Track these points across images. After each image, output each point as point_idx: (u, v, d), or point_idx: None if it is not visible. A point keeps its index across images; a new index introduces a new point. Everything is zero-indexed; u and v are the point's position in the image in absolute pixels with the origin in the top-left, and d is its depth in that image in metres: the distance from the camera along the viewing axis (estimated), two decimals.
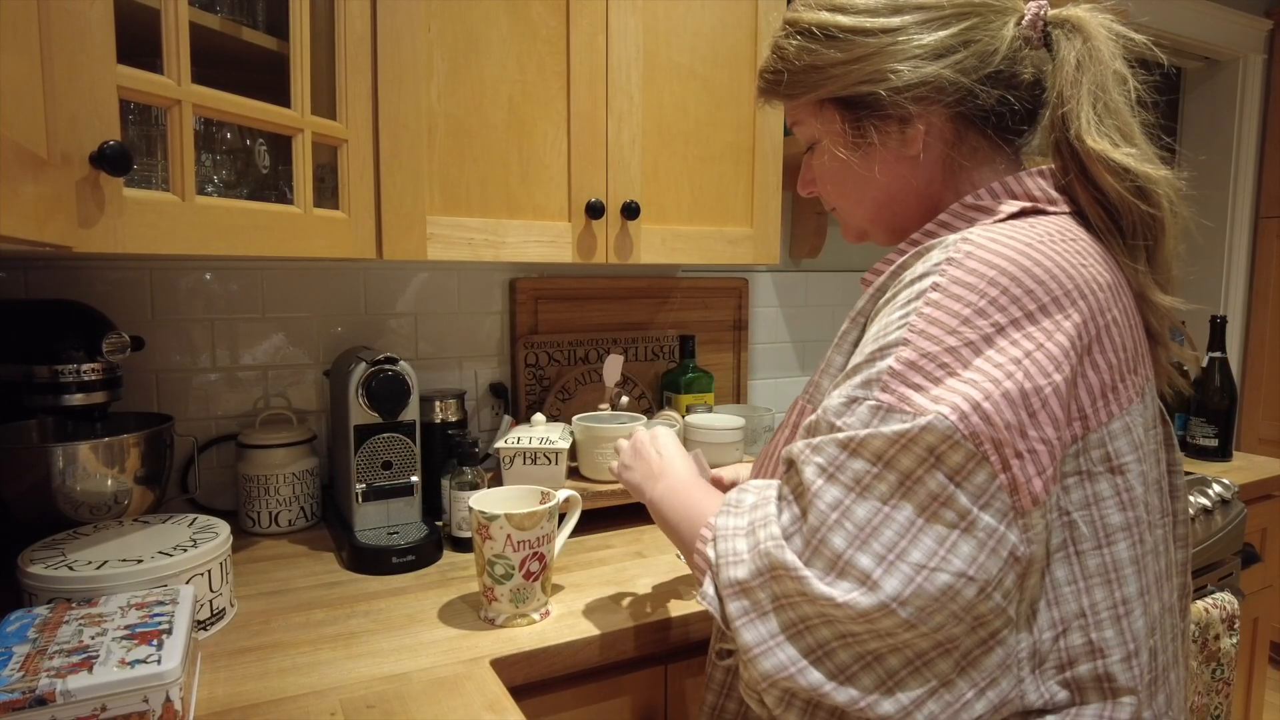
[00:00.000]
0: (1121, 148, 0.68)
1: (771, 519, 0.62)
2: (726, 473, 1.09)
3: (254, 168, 1.15)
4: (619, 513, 1.38)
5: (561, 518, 1.09)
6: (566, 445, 1.29)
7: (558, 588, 1.13)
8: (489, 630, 1.00)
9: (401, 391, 1.22)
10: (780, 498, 0.64)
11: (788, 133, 1.55)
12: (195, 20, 0.93)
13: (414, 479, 1.26)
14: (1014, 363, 0.58)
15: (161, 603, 0.84)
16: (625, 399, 1.58)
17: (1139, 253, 0.70)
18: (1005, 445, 0.56)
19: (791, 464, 0.63)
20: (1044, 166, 0.74)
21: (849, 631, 0.58)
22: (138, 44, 0.83)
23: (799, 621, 0.59)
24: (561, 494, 1.07)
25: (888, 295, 0.68)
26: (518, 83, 1.25)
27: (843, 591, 0.56)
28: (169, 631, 0.78)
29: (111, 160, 0.75)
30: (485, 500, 1.04)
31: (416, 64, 1.15)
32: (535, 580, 1.01)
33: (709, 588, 0.64)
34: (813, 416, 0.64)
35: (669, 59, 1.38)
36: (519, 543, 0.99)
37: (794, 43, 0.77)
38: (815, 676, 0.59)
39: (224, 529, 1.02)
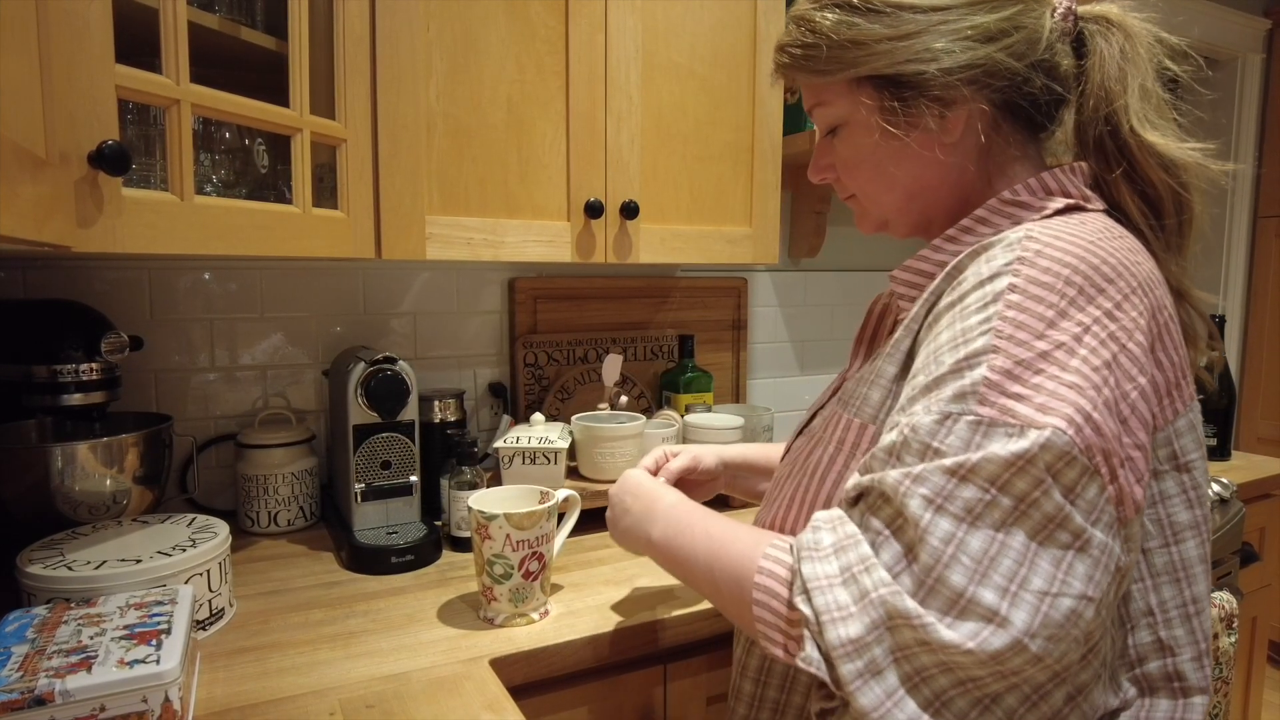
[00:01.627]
0: (1184, 142, 0.67)
1: (872, 561, 0.56)
2: (706, 454, 1.03)
3: (253, 167, 1.15)
4: None
5: (561, 517, 1.09)
6: (566, 445, 1.29)
7: (557, 587, 1.13)
8: (488, 630, 1.00)
9: (400, 391, 1.22)
10: (870, 532, 0.58)
11: (787, 132, 1.55)
12: (194, 20, 0.93)
13: (413, 479, 1.26)
14: (1106, 367, 0.55)
15: (160, 603, 0.84)
16: (624, 399, 1.58)
17: (1175, 250, 0.69)
18: (1114, 455, 0.54)
19: (881, 495, 0.58)
20: (1074, 164, 0.71)
21: (971, 677, 0.54)
22: (136, 43, 0.83)
23: (916, 674, 0.54)
24: (561, 493, 1.07)
25: (948, 299, 0.64)
26: (516, 82, 1.25)
27: (968, 635, 0.52)
28: (168, 631, 0.77)
29: (110, 160, 0.75)
30: (484, 500, 1.04)
31: (415, 64, 1.15)
32: (534, 580, 1.01)
33: (813, 651, 0.57)
34: (893, 436, 0.59)
35: (668, 59, 1.38)
36: (518, 542, 0.99)
37: (831, 16, 0.71)
38: None
39: (223, 529, 1.02)
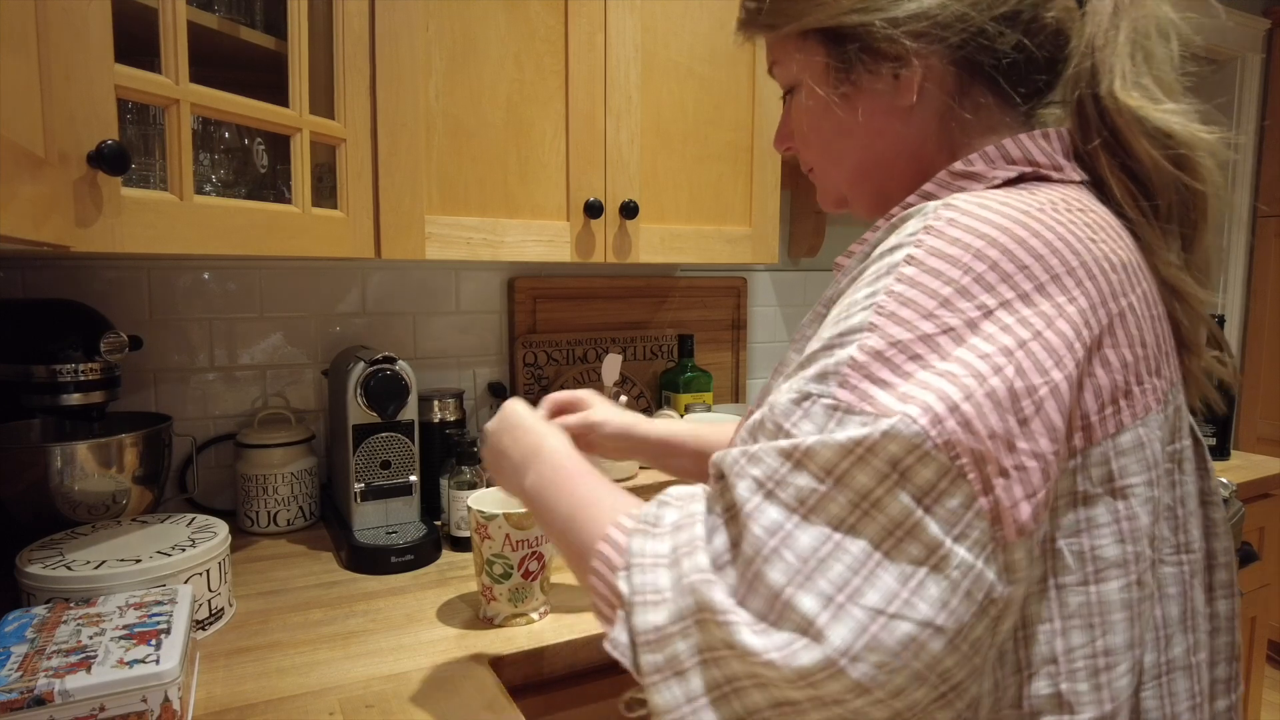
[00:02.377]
0: (1162, 104, 0.57)
1: (699, 544, 0.49)
2: (612, 420, 0.92)
3: (252, 167, 1.15)
4: None
5: None
6: None
7: (556, 587, 1.13)
8: (487, 630, 1.00)
9: (400, 391, 1.22)
10: (713, 516, 0.50)
11: None
12: (193, 19, 0.93)
13: (412, 478, 1.26)
14: (1004, 354, 0.46)
15: (160, 602, 0.84)
16: (624, 398, 1.58)
17: (1173, 237, 0.58)
18: (989, 460, 0.44)
19: (722, 476, 0.50)
20: (1054, 130, 0.61)
21: (786, 699, 0.44)
22: (136, 43, 0.83)
23: (725, 682, 0.46)
24: None
25: (852, 274, 0.55)
26: (516, 82, 1.25)
27: (774, 644, 0.43)
28: (167, 631, 0.77)
29: (109, 160, 0.75)
30: (484, 499, 1.04)
31: (415, 63, 1.15)
32: (534, 579, 1.01)
33: (620, 633, 0.50)
34: (757, 415, 0.51)
35: (667, 58, 1.38)
36: (517, 542, 0.99)
37: None
38: None
39: (222, 529, 1.02)
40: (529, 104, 1.26)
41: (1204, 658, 0.57)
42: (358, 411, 1.20)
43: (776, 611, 0.44)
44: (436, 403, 1.40)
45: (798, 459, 0.46)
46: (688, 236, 1.43)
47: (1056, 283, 0.49)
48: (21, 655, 0.72)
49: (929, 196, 0.60)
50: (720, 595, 0.46)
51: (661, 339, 1.77)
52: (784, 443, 0.47)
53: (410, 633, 0.99)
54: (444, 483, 1.26)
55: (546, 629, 1.00)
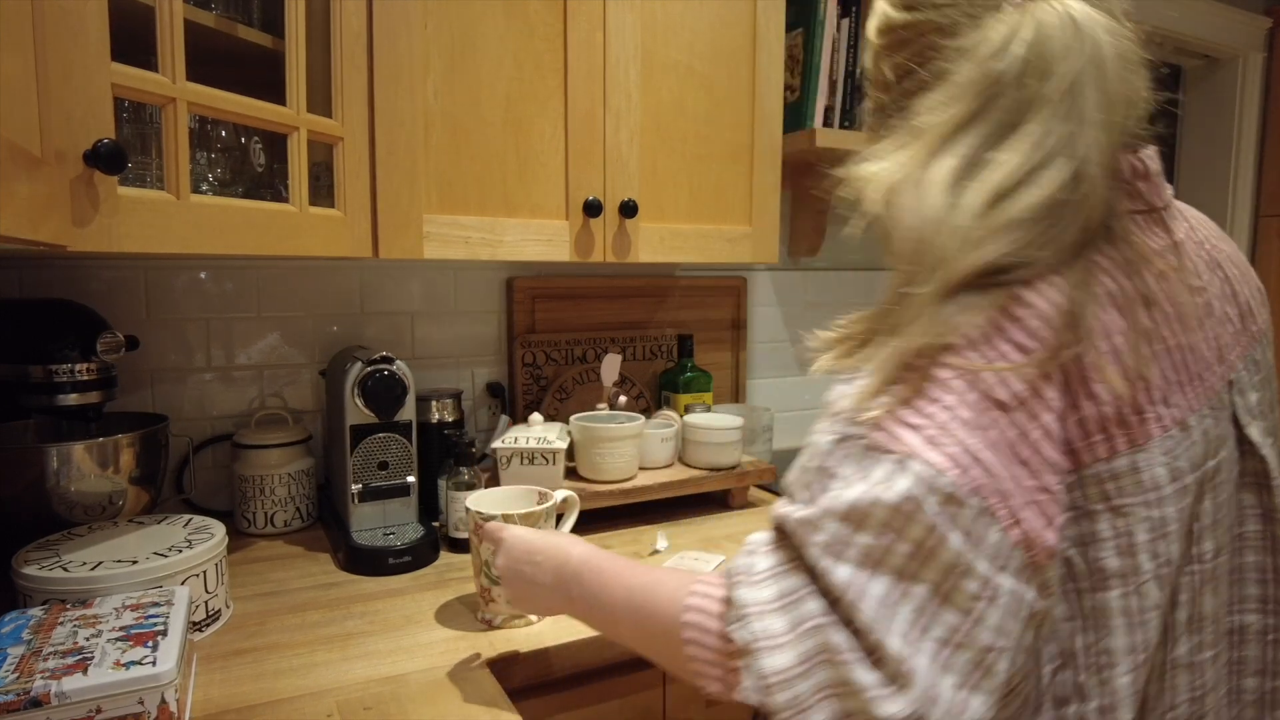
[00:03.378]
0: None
1: (804, 592, 0.53)
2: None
3: (249, 166, 1.15)
4: (617, 513, 1.38)
5: (559, 518, 1.09)
6: (564, 445, 1.29)
7: None
8: (486, 631, 0.99)
9: (398, 391, 1.21)
10: (799, 568, 0.55)
11: (787, 130, 1.54)
12: (190, 18, 0.93)
13: (410, 479, 1.26)
14: (999, 407, 0.52)
15: (157, 604, 0.84)
16: (623, 398, 1.57)
17: None
18: (1012, 496, 0.50)
19: (783, 536, 0.56)
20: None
21: None
22: (132, 42, 0.83)
23: (837, 716, 0.51)
24: (559, 494, 1.07)
25: None
26: (515, 81, 1.24)
27: (879, 682, 0.49)
28: (164, 633, 0.77)
29: (106, 159, 0.75)
30: (482, 501, 1.04)
31: (413, 61, 1.15)
32: None
33: (748, 679, 0.53)
34: (801, 459, 0.58)
35: (667, 57, 1.37)
36: None
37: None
38: None
39: (219, 530, 1.02)
40: (528, 103, 1.26)
41: (1208, 656, 0.62)
42: (355, 412, 1.20)
43: (868, 651, 0.50)
44: (435, 403, 1.40)
45: (855, 521, 0.51)
46: (687, 236, 1.43)
47: (1047, 328, 0.53)
48: (18, 657, 0.71)
49: None
50: (839, 638, 0.51)
51: (661, 339, 1.77)
52: (837, 504, 0.52)
53: (408, 634, 0.98)
54: (442, 484, 1.26)
55: (545, 631, 1.00)
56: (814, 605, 0.52)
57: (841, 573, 0.51)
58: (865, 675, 0.49)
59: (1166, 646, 0.60)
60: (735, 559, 0.59)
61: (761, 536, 0.59)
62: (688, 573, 0.65)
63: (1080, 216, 0.55)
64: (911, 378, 0.53)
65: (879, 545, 0.50)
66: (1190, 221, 0.68)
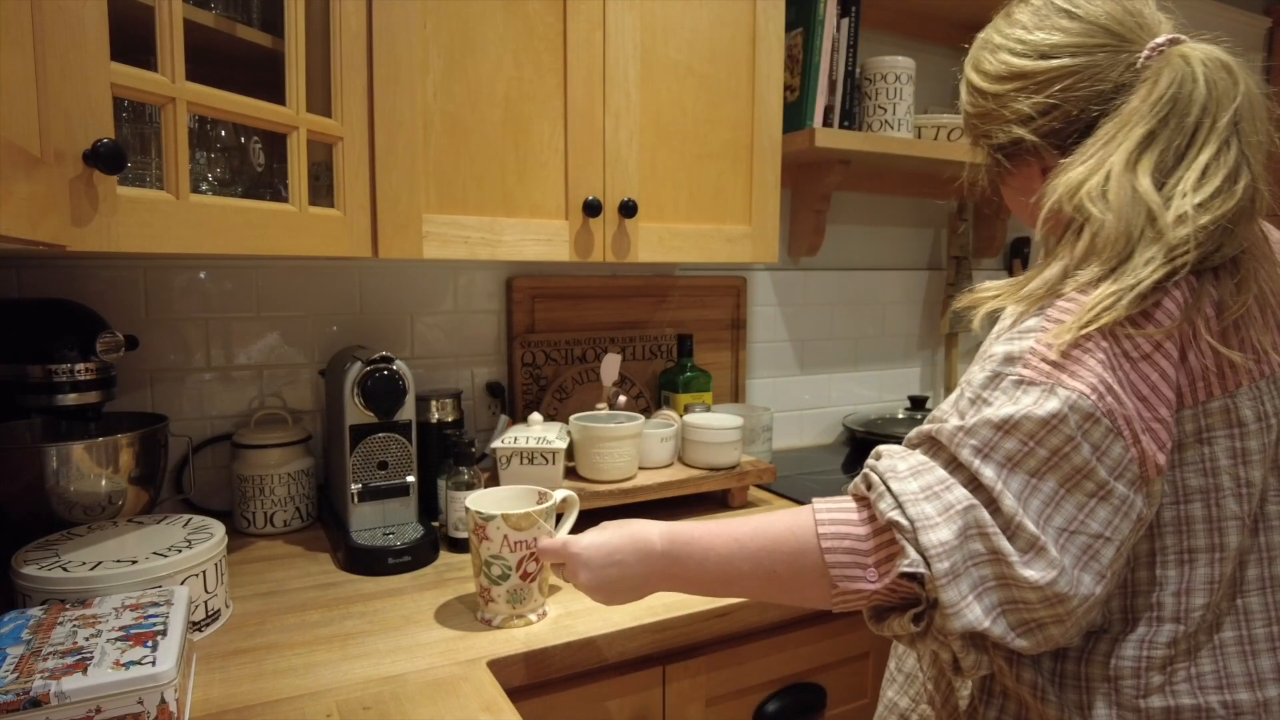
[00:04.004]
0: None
1: (950, 482, 0.66)
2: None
3: (249, 166, 1.15)
4: (617, 513, 1.38)
5: (559, 518, 1.09)
6: (564, 445, 1.29)
7: (555, 588, 1.12)
8: (486, 631, 0.99)
9: (397, 391, 1.21)
10: (937, 461, 0.68)
11: (786, 130, 1.54)
12: (190, 17, 0.93)
13: (410, 479, 1.26)
14: (1126, 357, 0.66)
15: (156, 604, 0.84)
16: (623, 398, 1.57)
17: None
18: (1134, 421, 0.64)
19: (937, 443, 0.68)
20: None
21: (1022, 598, 0.63)
22: (132, 41, 0.83)
23: (981, 582, 0.64)
24: (559, 494, 1.06)
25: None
26: (514, 80, 1.24)
27: (1018, 552, 0.62)
28: (164, 633, 0.77)
29: (105, 158, 0.75)
30: (482, 500, 1.04)
31: (412, 61, 1.14)
32: (532, 581, 1.01)
33: (913, 553, 0.64)
34: (954, 394, 0.71)
35: (666, 56, 1.37)
36: (516, 543, 0.98)
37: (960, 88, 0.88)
38: (999, 628, 0.64)
39: (219, 529, 1.02)
40: (527, 102, 1.26)
41: None
42: (355, 412, 1.20)
43: (1013, 530, 0.63)
44: (434, 403, 1.40)
45: (1006, 429, 0.65)
46: (687, 235, 1.43)
47: (1169, 298, 0.67)
48: (17, 657, 0.71)
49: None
50: (985, 515, 0.64)
51: (661, 338, 1.77)
52: (993, 416, 0.65)
53: (408, 634, 0.98)
54: (442, 483, 1.26)
55: (545, 631, 1.00)
56: (960, 493, 0.65)
57: (989, 470, 0.64)
58: (1007, 545, 0.63)
59: (1263, 564, 0.73)
60: (876, 463, 0.70)
61: (893, 447, 0.72)
62: (786, 511, 0.75)
63: (1253, 221, 0.71)
64: (1062, 333, 0.66)
65: (1021, 449, 0.64)
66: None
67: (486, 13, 1.21)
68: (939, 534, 0.64)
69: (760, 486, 1.61)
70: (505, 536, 0.98)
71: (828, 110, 1.69)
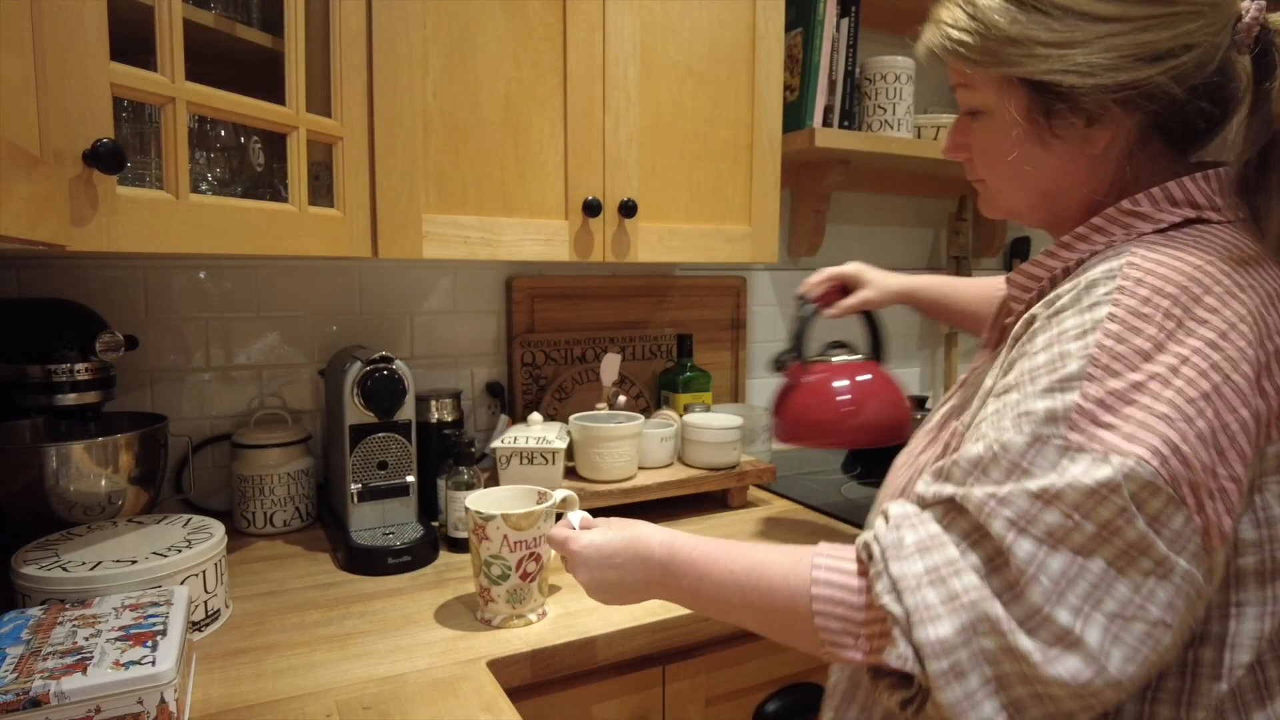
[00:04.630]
0: None
1: (961, 565, 0.58)
2: (928, 288, 1.20)
3: (248, 165, 1.14)
4: (616, 513, 1.38)
5: (559, 518, 1.08)
6: (563, 445, 1.29)
7: (555, 588, 1.12)
8: (486, 631, 0.99)
9: (397, 391, 1.21)
10: (951, 534, 0.60)
11: (786, 130, 1.54)
12: (189, 17, 0.93)
13: (410, 479, 1.26)
14: (1204, 399, 0.56)
15: (156, 604, 0.84)
16: (623, 398, 1.57)
17: None
18: (1202, 487, 0.55)
19: (960, 509, 0.60)
20: (1213, 170, 0.68)
21: (1047, 693, 0.55)
22: (131, 41, 0.83)
23: (996, 679, 0.56)
24: (558, 494, 1.07)
25: (1043, 315, 0.65)
26: (514, 80, 1.24)
27: (1040, 649, 0.54)
28: (163, 633, 0.77)
29: (105, 158, 0.75)
30: (481, 500, 1.04)
31: (412, 61, 1.14)
32: (532, 581, 1.01)
33: (905, 649, 0.58)
34: (979, 450, 0.60)
35: (666, 56, 1.37)
36: (515, 543, 0.98)
37: (995, 2, 0.68)
38: None
39: (219, 529, 1.02)
40: (527, 102, 1.26)
41: None
42: (355, 412, 1.20)
43: (1037, 623, 0.55)
44: (434, 403, 1.40)
45: (1047, 499, 0.56)
46: (687, 235, 1.43)
47: (1235, 330, 0.58)
48: (17, 657, 0.71)
49: (1100, 230, 0.69)
50: (997, 609, 0.56)
51: (660, 338, 1.77)
52: (1033, 485, 0.56)
53: (408, 634, 0.98)
54: (441, 483, 1.26)
55: (545, 630, 1.00)
56: (969, 580, 0.57)
57: (1024, 546, 0.55)
58: (1027, 642, 0.54)
59: None
60: (881, 533, 0.62)
61: (904, 510, 0.63)
62: (789, 549, 0.69)
63: None
64: (1111, 379, 0.57)
65: (1065, 524, 0.55)
66: None
67: (486, 13, 1.21)
68: (938, 629, 0.56)
69: (760, 486, 1.61)
70: (505, 536, 0.98)
71: (827, 110, 1.69)
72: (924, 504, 0.63)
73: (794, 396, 1.26)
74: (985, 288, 1.18)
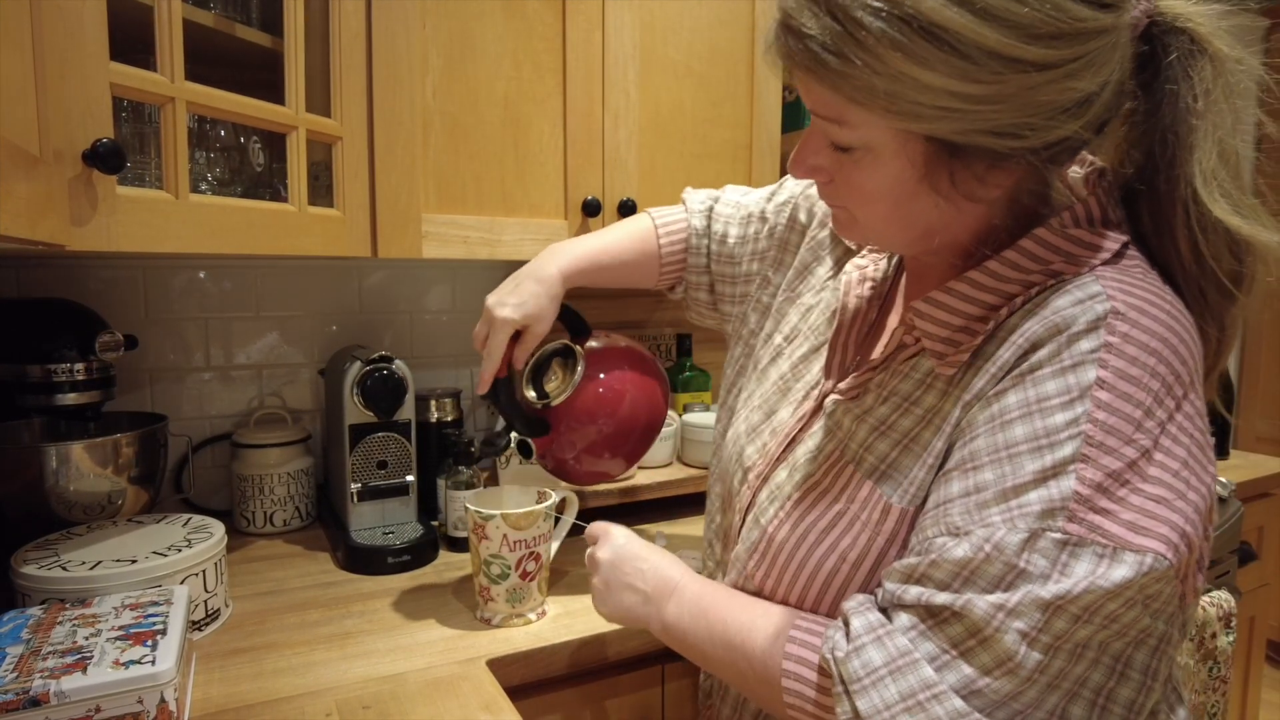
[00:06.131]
0: (1246, 219, 0.59)
1: (941, 691, 0.54)
2: (534, 310, 0.96)
3: (248, 165, 1.15)
4: (616, 512, 1.38)
5: (558, 519, 1.09)
6: None
7: (554, 588, 1.12)
8: (485, 630, 0.99)
9: (397, 390, 1.21)
10: (933, 646, 0.55)
11: (785, 130, 1.54)
12: (189, 17, 0.93)
13: (409, 478, 1.26)
14: (1185, 467, 0.53)
15: (156, 603, 0.84)
16: None
17: (1212, 319, 0.62)
18: (1197, 562, 0.54)
19: (955, 614, 0.54)
20: (1101, 175, 0.64)
21: None
22: (131, 41, 0.83)
23: None
24: (558, 494, 1.07)
25: (1014, 374, 0.58)
26: (513, 80, 1.24)
27: None
28: (163, 632, 0.77)
29: (105, 158, 0.75)
30: (481, 499, 1.04)
31: (411, 61, 1.15)
32: (531, 580, 1.01)
33: None
34: (966, 551, 0.55)
35: (665, 56, 1.37)
36: (515, 542, 0.98)
37: (879, 26, 0.52)
38: None
39: (218, 529, 1.02)
40: (526, 102, 1.26)
41: None
42: (354, 411, 1.20)
43: None
44: (434, 402, 1.40)
45: (1059, 606, 0.52)
46: None
47: (1194, 385, 0.56)
48: (17, 656, 0.71)
49: (1033, 257, 0.61)
50: None
51: (659, 338, 1.76)
52: (1045, 594, 0.52)
53: (407, 633, 0.98)
54: (441, 483, 1.26)
55: (544, 630, 1.00)
56: (951, 705, 0.53)
57: (1034, 656, 0.52)
58: None
59: None
60: (844, 658, 0.58)
61: (868, 617, 0.58)
62: (785, 613, 0.68)
63: None
64: (1107, 457, 0.53)
65: (1070, 627, 0.52)
66: None
67: (486, 13, 1.21)
68: None
69: None
70: (505, 536, 0.98)
71: None
72: (893, 604, 0.58)
73: (571, 415, 1.00)
74: (631, 238, 1.01)
